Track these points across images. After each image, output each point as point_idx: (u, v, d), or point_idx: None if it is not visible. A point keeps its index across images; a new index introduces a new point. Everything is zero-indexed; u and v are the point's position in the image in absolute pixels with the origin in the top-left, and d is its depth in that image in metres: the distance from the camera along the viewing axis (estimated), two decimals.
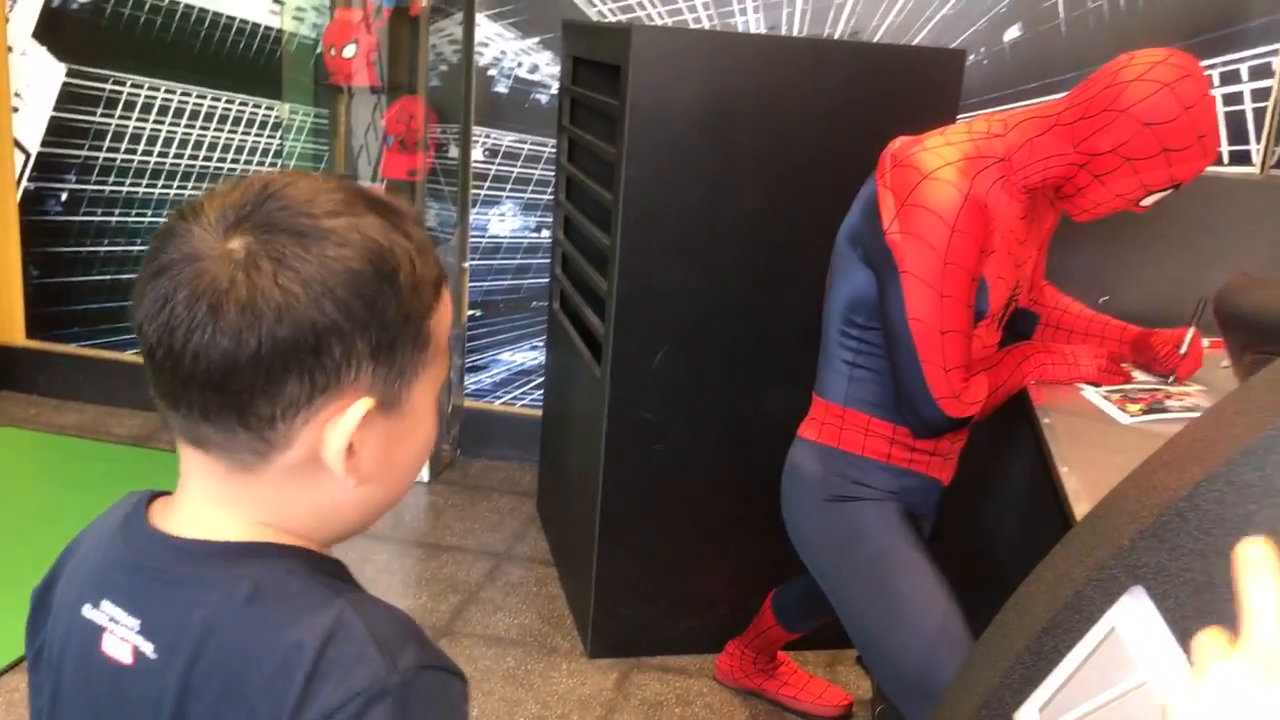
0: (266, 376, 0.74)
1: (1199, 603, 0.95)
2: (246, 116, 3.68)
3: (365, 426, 0.78)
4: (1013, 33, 3.14)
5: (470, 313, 3.68)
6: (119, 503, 0.88)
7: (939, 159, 1.66)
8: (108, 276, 3.85)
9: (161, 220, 3.95)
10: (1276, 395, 0.93)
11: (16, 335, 3.97)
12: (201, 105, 3.68)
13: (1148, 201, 1.68)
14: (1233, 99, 3.07)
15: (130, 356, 3.90)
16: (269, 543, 0.80)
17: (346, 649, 0.75)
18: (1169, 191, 1.67)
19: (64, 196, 3.82)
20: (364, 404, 0.77)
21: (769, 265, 2.52)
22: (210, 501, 0.81)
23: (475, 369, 3.74)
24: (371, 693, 0.73)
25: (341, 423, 0.77)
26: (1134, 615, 0.97)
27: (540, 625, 2.80)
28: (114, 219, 3.80)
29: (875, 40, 3.19)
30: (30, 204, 3.84)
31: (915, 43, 3.17)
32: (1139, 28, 3.05)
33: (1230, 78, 3.06)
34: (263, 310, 0.72)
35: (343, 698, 0.73)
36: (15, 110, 3.77)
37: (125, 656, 0.79)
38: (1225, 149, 3.10)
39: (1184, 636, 0.97)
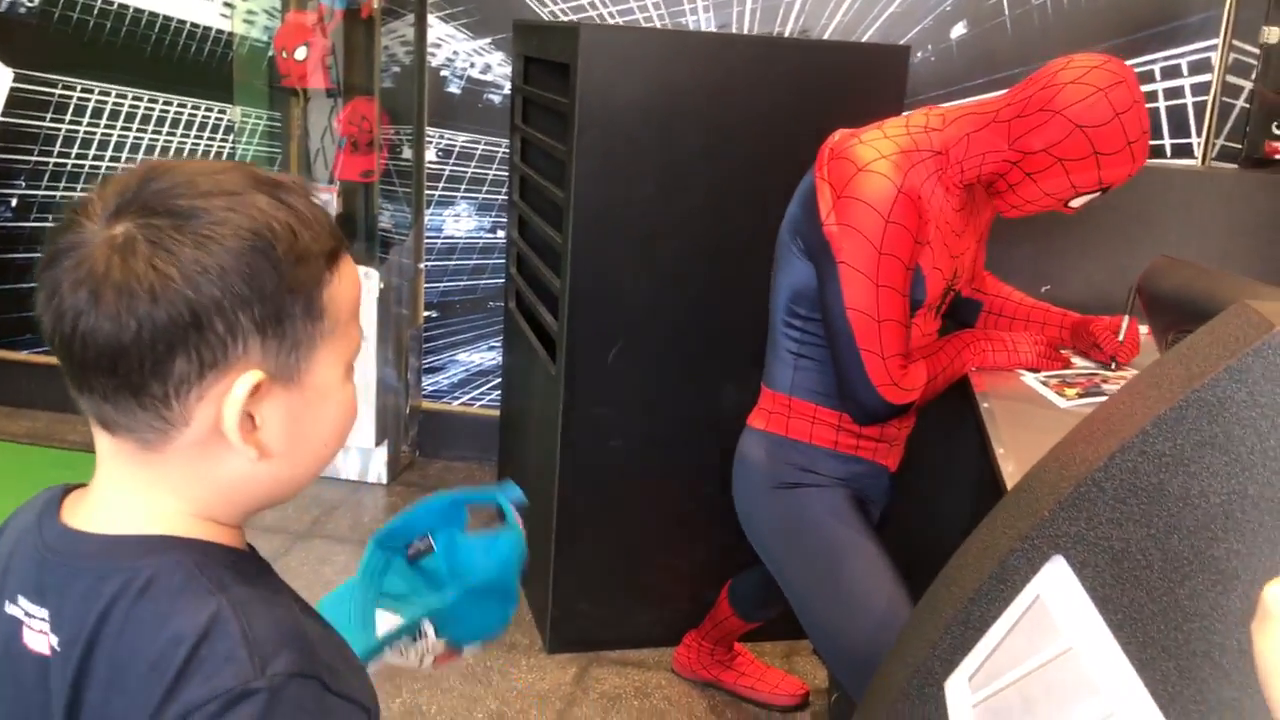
0: (153, 356, 0.76)
1: (1116, 570, 0.99)
2: (199, 120, 3.67)
3: (264, 399, 0.80)
4: (959, 30, 3.19)
5: (427, 314, 3.69)
6: (34, 498, 0.89)
7: (874, 152, 1.69)
8: None
9: None
10: (1188, 368, 0.96)
11: None
12: (153, 110, 3.66)
13: (1076, 203, 1.72)
14: (1174, 93, 3.14)
15: None
16: (171, 536, 0.81)
17: (218, 647, 0.76)
18: (1097, 195, 1.71)
19: (14, 202, 3.79)
20: (251, 376, 0.78)
21: (719, 260, 2.55)
22: (120, 490, 0.82)
23: (432, 370, 3.74)
24: (233, 694, 0.74)
25: (230, 396, 0.78)
26: (1056, 583, 1.01)
27: None
28: None
29: (824, 38, 3.23)
30: None
31: (863, 40, 3.22)
32: (1082, 24, 3.10)
33: (1171, 72, 3.12)
34: (138, 292, 0.74)
35: (205, 695, 0.74)
36: None
37: (44, 648, 0.81)
38: (1167, 141, 3.16)
39: (1103, 604, 1.00)
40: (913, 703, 1.05)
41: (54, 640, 0.80)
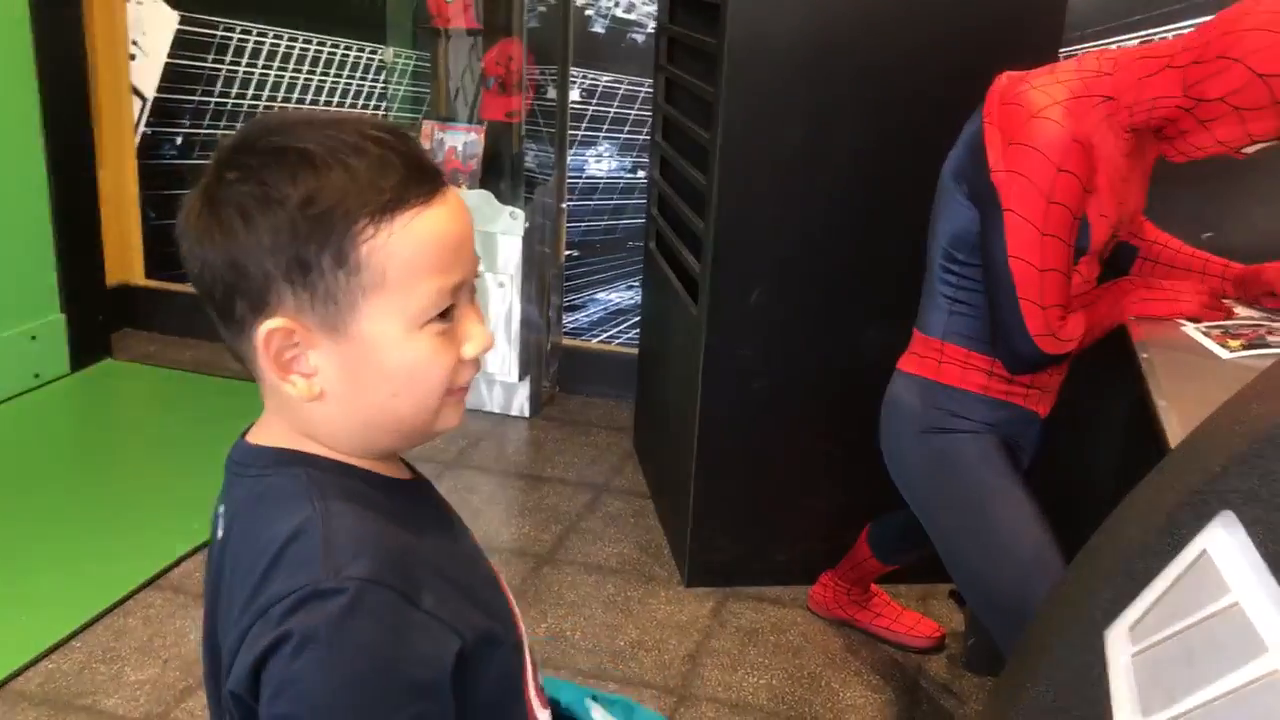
0: (222, 296, 0.86)
1: None
2: (351, 60, 3.77)
3: (311, 347, 0.87)
4: None
5: (567, 253, 3.75)
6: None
7: (1046, 97, 1.67)
8: None
9: None
10: None
11: (136, 275, 4.15)
12: (309, 50, 3.78)
13: (1250, 149, 1.67)
14: None
15: None
16: (296, 450, 0.91)
17: (302, 548, 0.84)
18: (1274, 143, 1.65)
19: (179, 140, 3.97)
20: (271, 323, 0.85)
21: (867, 204, 2.53)
22: (266, 413, 0.95)
23: (572, 308, 3.82)
24: (305, 592, 0.81)
25: (255, 339, 0.86)
26: (1225, 539, 1.01)
27: (639, 555, 2.89)
28: None
29: None
30: (147, 148, 3.99)
31: None
32: None
33: None
34: (201, 239, 0.85)
35: (282, 591, 0.82)
36: (133, 58, 3.91)
37: (220, 534, 0.95)
38: None
39: (1273, 561, 1.00)
40: (1073, 650, 1.07)
41: (220, 534, 0.94)
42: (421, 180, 0.86)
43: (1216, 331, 1.81)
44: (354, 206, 0.83)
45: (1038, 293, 1.68)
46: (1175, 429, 1.47)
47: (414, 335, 0.87)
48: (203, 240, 0.85)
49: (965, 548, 1.84)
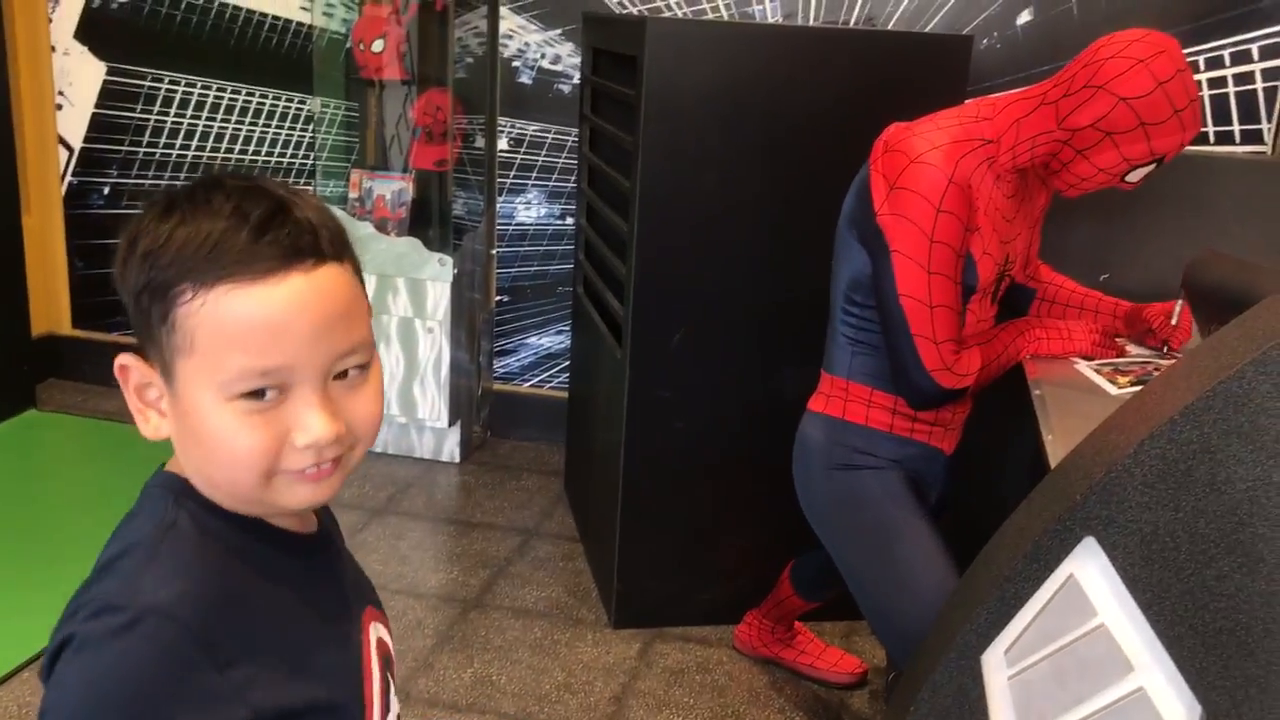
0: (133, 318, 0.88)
1: (1146, 551, 1.04)
2: (280, 110, 3.80)
3: (153, 389, 0.88)
4: (1025, 16, 3.20)
5: (498, 298, 3.79)
6: None
7: (926, 143, 1.75)
8: None
9: None
10: (1217, 360, 1.01)
11: (63, 324, 4.12)
12: (237, 100, 3.80)
13: (1133, 177, 1.76)
14: (1244, 79, 3.12)
15: None
16: (183, 478, 0.91)
17: (125, 564, 0.87)
18: (1153, 166, 1.75)
19: (106, 190, 3.96)
20: (124, 358, 0.88)
21: (781, 248, 2.60)
22: None
23: (504, 353, 3.85)
24: (101, 603, 0.83)
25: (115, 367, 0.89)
26: (1088, 563, 1.06)
27: (566, 598, 2.91)
28: None
29: (889, 27, 3.26)
30: (74, 198, 3.98)
31: (928, 28, 3.24)
32: (1149, 8, 3.10)
33: (1241, 58, 3.10)
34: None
35: (89, 597, 0.84)
36: (59, 108, 3.91)
37: None
38: (1236, 128, 3.14)
39: (1133, 584, 1.05)
40: (951, 674, 1.11)
41: None
42: (259, 258, 0.83)
43: (1107, 369, 1.88)
44: (183, 268, 0.82)
45: (930, 328, 1.75)
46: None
47: (222, 406, 0.84)
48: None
49: (872, 581, 1.89)
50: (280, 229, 0.84)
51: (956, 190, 1.72)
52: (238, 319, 0.82)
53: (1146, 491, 1.02)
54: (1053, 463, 1.51)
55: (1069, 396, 1.76)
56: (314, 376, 0.86)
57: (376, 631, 1.04)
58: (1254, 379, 0.98)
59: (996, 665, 1.10)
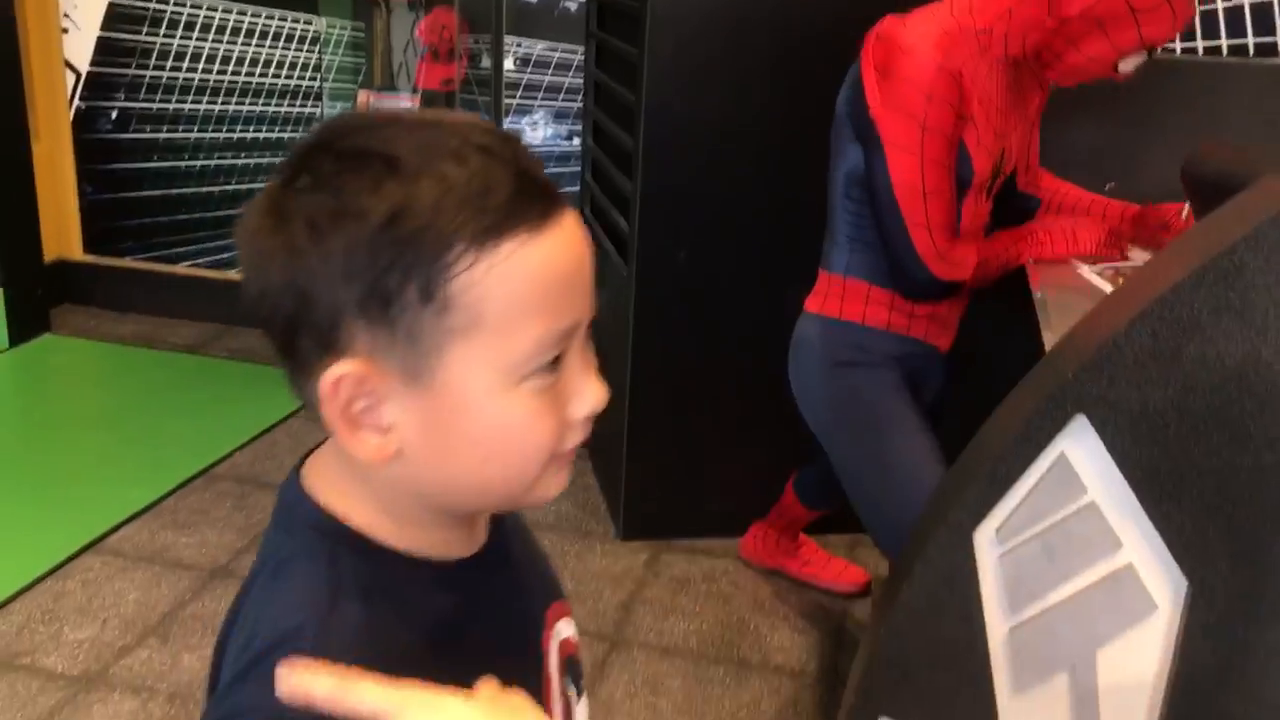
0: (283, 327, 0.70)
1: (1136, 429, 1.06)
2: (286, 31, 3.78)
3: (390, 400, 0.70)
4: None
5: None
6: None
7: (916, 33, 1.75)
8: (158, 192, 4.00)
9: (207, 137, 4.01)
10: (1208, 238, 1.02)
11: (74, 250, 4.14)
12: (243, 22, 3.78)
13: (1124, 66, 1.76)
14: None
15: (183, 269, 4.05)
16: (334, 520, 0.75)
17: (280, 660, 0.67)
18: (1144, 56, 1.75)
19: (114, 115, 3.95)
20: (340, 368, 0.69)
21: (789, 162, 2.59)
22: (328, 448, 0.78)
23: None
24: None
25: (321, 385, 0.69)
26: (1079, 441, 1.08)
27: (575, 511, 2.95)
28: (162, 135, 3.93)
29: None
30: (82, 123, 3.98)
31: None
32: None
33: None
34: (262, 259, 0.69)
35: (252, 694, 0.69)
36: (65, 31, 3.89)
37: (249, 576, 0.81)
38: (1250, 40, 3.11)
39: (1122, 461, 1.07)
40: (943, 551, 1.14)
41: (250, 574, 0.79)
42: (533, 199, 0.69)
43: (1110, 272, 1.89)
44: (448, 229, 0.66)
45: (923, 215, 1.77)
46: None
47: (511, 392, 0.70)
48: (264, 260, 0.69)
49: (864, 475, 1.92)
50: (533, 170, 0.71)
51: (947, 77, 1.72)
52: (532, 277, 0.69)
53: (1137, 369, 1.03)
54: None
55: (1070, 300, 1.76)
56: (584, 334, 0.74)
57: (560, 631, 0.90)
58: (1245, 255, 0.99)
59: (988, 543, 1.13)
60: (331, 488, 0.76)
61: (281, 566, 0.75)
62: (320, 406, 0.71)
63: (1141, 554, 1.08)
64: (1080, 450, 1.08)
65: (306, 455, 0.80)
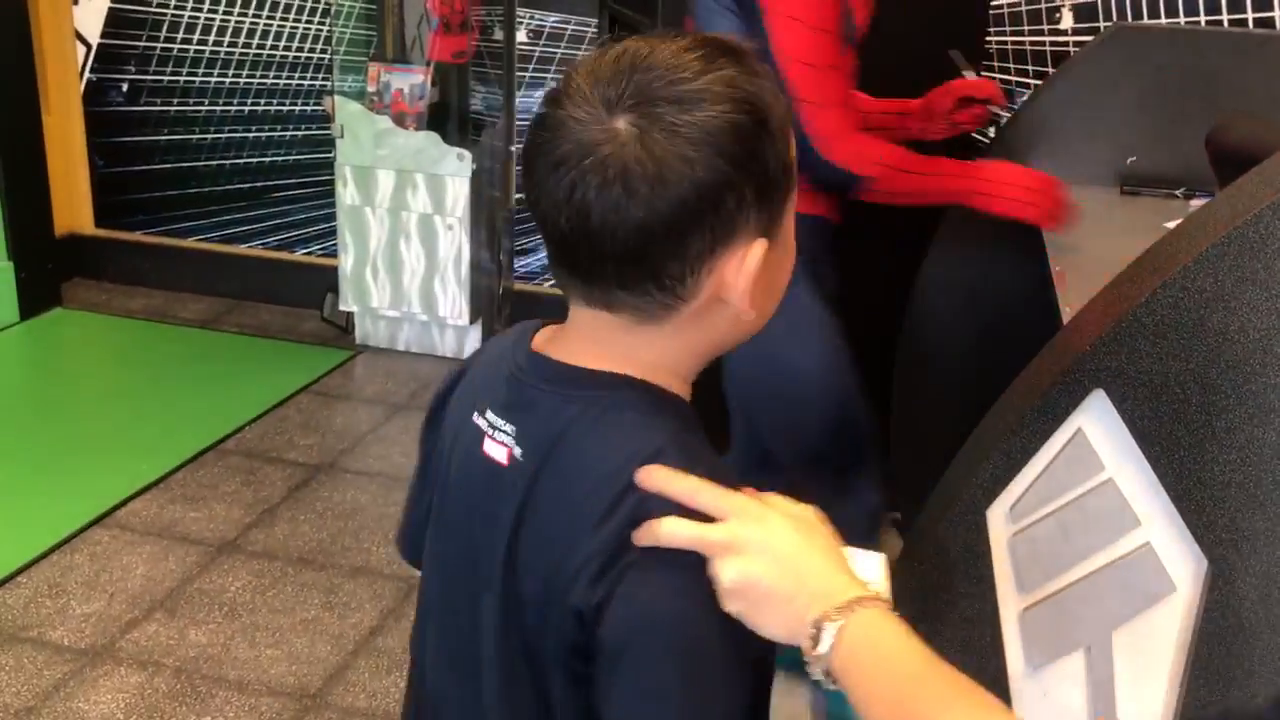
0: (677, 239, 0.80)
1: (1156, 404, 1.02)
2: (297, 3, 3.74)
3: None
4: None
5: (518, 196, 3.75)
6: (512, 328, 0.96)
7: None
8: (169, 165, 3.97)
9: (218, 110, 3.98)
10: (1233, 207, 0.98)
11: (85, 224, 4.12)
12: None
13: None
14: None
15: (193, 243, 4.03)
16: (630, 376, 0.86)
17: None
18: None
19: (125, 87, 3.93)
20: (761, 245, 0.82)
21: None
22: (595, 339, 0.87)
23: (524, 252, 3.82)
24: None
25: (746, 266, 0.82)
26: (1097, 417, 1.05)
27: None
28: (173, 108, 3.90)
29: None
30: (93, 95, 3.96)
31: None
32: None
33: None
34: (669, 179, 0.78)
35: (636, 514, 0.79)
36: (75, 3, 3.86)
37: (502, 458, 0.88)
38: (1278, 13, 3.04)
39: (1141, 437, 1.04)
40: (955, 530, 1.11)
41: (516, 451, 0.87)
42: None
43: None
44: (784, 119, 0.83)
45: (819, 93, 1.64)
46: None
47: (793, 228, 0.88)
48: (668, 183, 0.78)
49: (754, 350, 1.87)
50: None
51: None
52: None
53: (1158, 342, 1.00)
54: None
55: (1089, 271, 1.72)
56: None
57: None
58: (1271, 223, 0.95)
59: (1001, 522, 1.10)
60: (608, 363, 0.86)
61: (602, 416, 0.84)
62: (699, 293, 0.82)
63: (1160, 533, 1.05)
64: (1098, 426, 1.05)
65: (522, 339, 0.91)
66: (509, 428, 0.87)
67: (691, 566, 0.78)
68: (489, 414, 0.89)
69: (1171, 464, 1.03)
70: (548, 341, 0.90)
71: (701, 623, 0.79)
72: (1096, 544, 1.07)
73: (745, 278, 0.82)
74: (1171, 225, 1.94)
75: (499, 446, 0.87)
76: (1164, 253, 1.02)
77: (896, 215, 2.25)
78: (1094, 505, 1.07)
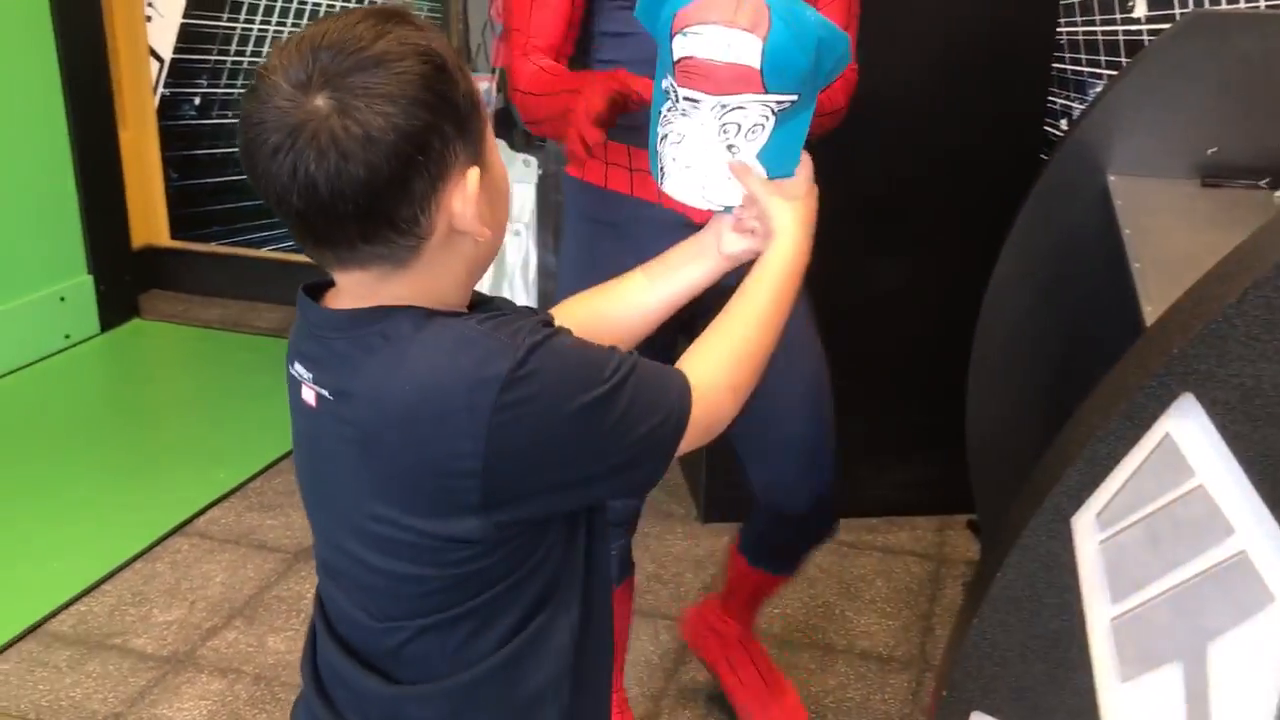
0: (400, 186, 0.89)
1: (1248, 407, 0.99)
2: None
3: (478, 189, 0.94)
4: None
5: None
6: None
7: None
8: (241, 176, 4.02)
9: None
10: None
11: (161, 236, 4.20)
12: (320, 5, 3.79)
13: None
14: None
15: (267, 253, 4.09)
16: (394, 305, 0.95)
17: (472, 350, 0.91)
18: None
19: (197, 101, 4.00)
20: (475, 172, 0.93)
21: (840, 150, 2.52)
22: (360, 298, 0.97)
23: None
24: (506, 366, 0.89)
25: (468, 194, 0.93)
26: (1187, 421, 1.01)
27: (656, 493, 2.90)
28: None
29: None
30: (167, 110, 4.03)
31: None
32: None
33: None
34: (376, 136, 0.87)
35: (493, 381, 0.89)
36: (149, 20, 3.94)
37: (312, 401, 0.98)
38: None
39: (1234, 441, 1.00)
40: (1039, 538, 1.08)
41: (323, 393, 0.97)
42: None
43: None
44: (460, 63, 0.93)
45: (506, 18, 1.62)
46: None
47: (495, 151, 0.98)
48: (375, 142, 0.87)
49: None
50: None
51: None
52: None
53: (1250, 344, 0.96)
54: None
55: (1173, 268, 1.67)
56: None
57: None
58: None
59: (1088, 529, 1.06)
60: (377, 298, 0.95)
61: (388, 337, 0.93)
62: (434, 227, 0.92)
63: (1256, 541, 1.01)
64: (1187, 431, 1.01)
65: (307, 300, 1.00)
66: (309, 375, 0.98)
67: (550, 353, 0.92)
68: (297, 364, 1.00)
69: (1267, 469, 0.99)
70: (328, 295, 1.01)
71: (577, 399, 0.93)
72: (1189, 553, 1.04)
73: (470, 203, 0.93)
74: (1258, 219, 1.89)
75: (309, 391, 0.98)
76: (1255, 249, 0.98)
77: (966, 213, 2.20)
78: (1185, 512, 1.03)
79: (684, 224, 1.46)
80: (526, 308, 1.01)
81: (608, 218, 1.76)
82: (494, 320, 0.95)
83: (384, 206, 0.89)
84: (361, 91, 0.87)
